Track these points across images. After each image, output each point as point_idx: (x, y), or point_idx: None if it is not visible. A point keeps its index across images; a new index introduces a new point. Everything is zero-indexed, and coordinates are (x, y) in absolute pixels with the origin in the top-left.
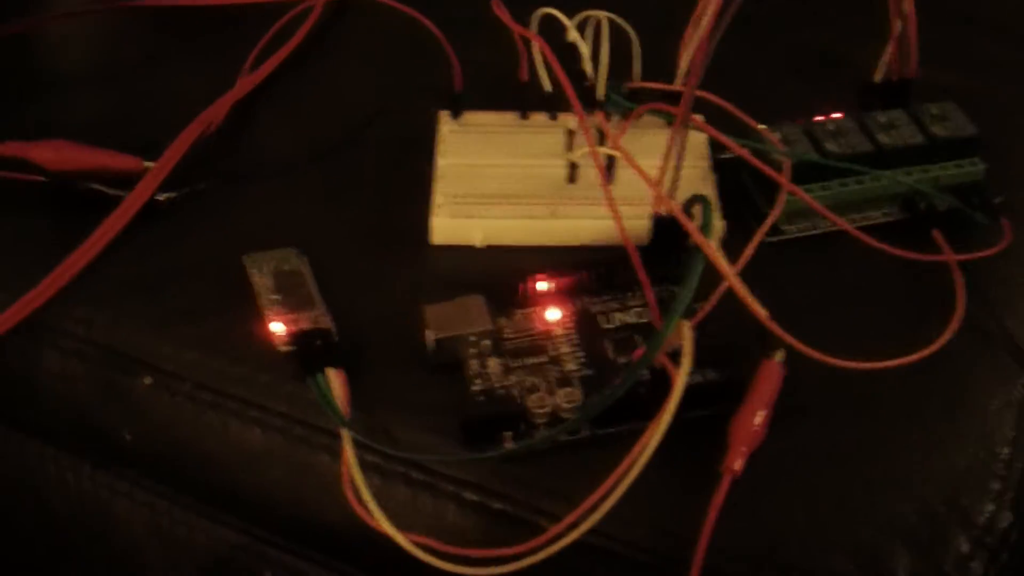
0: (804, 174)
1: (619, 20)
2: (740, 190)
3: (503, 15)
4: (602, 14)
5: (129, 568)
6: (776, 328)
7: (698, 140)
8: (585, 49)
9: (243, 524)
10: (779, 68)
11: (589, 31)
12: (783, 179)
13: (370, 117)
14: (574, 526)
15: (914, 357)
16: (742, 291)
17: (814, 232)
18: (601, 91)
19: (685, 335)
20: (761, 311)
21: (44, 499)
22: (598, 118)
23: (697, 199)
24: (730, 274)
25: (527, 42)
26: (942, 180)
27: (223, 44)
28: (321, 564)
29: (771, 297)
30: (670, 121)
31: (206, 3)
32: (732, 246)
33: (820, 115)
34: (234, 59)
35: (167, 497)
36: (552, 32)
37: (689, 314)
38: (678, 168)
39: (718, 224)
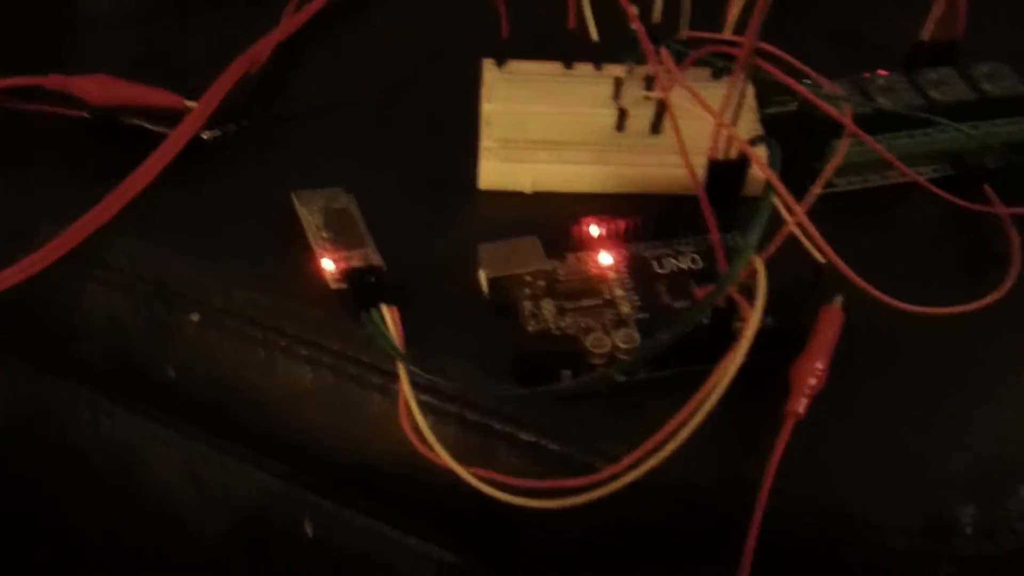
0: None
1: None
2: (788, 145)
3: None
4: None
5: (163, 516)
6: (842, 265)
7: (746, 93)
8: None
9: (284, 469)
10: (820, 27)
11: None
12: (848, 122)
13: (415, 62)
14: (635, 466)
15: (973, 305)
16: (811, 230)
17: (864, 186)
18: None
19: (759, 270)
20: (822, 255)
21: (75, 442)
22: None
23: (760, 139)
24: (799, 212)
25: None
26: (992, 137)
27: None
28: (364, 512)
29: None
30: (721, 68)
31: None
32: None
33: (870, 70)
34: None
35: (205, 441)
36: None
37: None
38: (738, 109)
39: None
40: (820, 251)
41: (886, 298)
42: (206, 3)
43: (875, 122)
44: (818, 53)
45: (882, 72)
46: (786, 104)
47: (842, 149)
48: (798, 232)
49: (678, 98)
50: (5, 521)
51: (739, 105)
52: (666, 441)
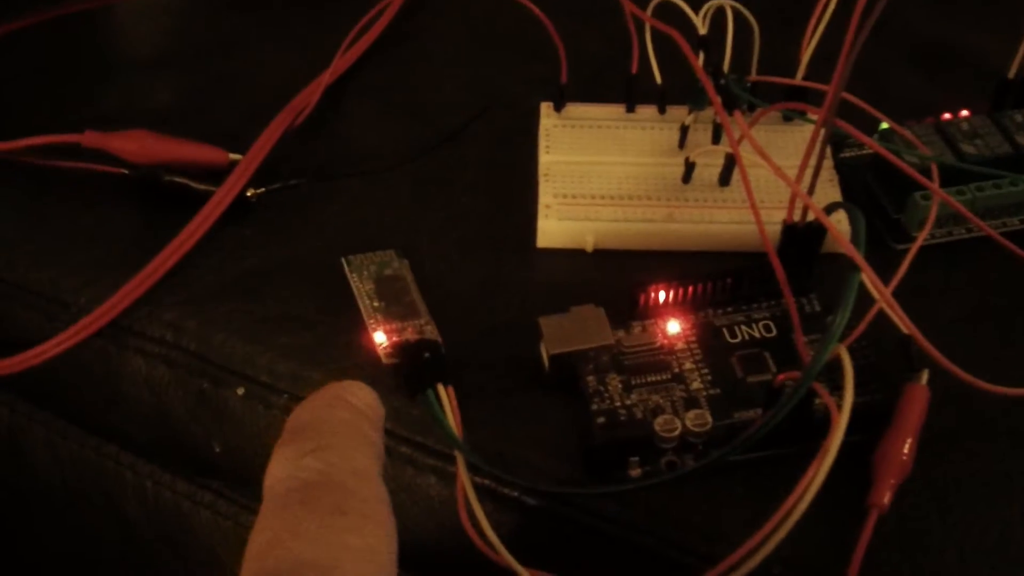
0: (938, 177)
1: (743, 9)
2: (864, 192)
3: (628, 6)
4: (726, 2)
5: None
6: (927, 345)
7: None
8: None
9: None
10: (901, 62)
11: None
12: (933, 185)
13: (468, 110)
14: (739, 564)
15: None
16: (896, 313)
17: (949, 239)
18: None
19: (845, 361)
20: (910, 331)
21: (120, 507)
22: (736, 115)
23: (839, 205)
24: (885, 294)
25: (640, 30)
26: None
27: (308, 26)
28: None
29: (908, 311)
30: (790, 118)
31: None
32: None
33: (948, 113)
34: (319, 43)
35: (253, 510)
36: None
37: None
38: (817, 172)
39: (845, 229)
40: (908, 330)
41: (968, 377)
42: (249, 45)
43: (960, 172)
44: (898, 89)
45: (964, 114)
46: (863, 148)
47: (932, 213)
48: (885, 307)
49: (747, 149)
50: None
51: (820, 161)
52: (768, 537)
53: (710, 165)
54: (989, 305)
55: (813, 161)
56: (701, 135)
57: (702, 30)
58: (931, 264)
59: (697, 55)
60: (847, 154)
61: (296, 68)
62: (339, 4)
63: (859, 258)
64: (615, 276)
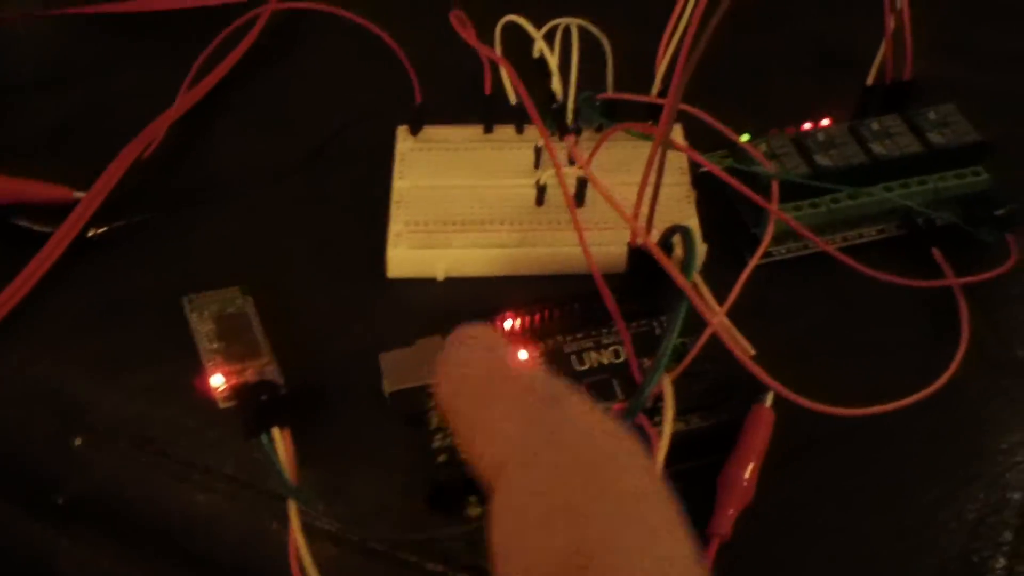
0: (794, 190)
1: (590, 26)
2: (725, 204)
3: (464, 32)
4: (572, 20)
5: None
6: (761, 373)
7: (678, 153)
8: (553, 63)
9: None
10: (772, 69)
11: (562, 37)
12: (771, 205)
13: (324, 136)
14: None
15: (914, 398)
16: (728, 336)
17: (806, 252)
18: (570, 107)
19: (667, 393)
20: (747, 352)
21: None
22: (568, 139)
23: (677, 229)
24: (714, 319)
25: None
26: (942, 192)
27: (168, 54)
28: None
29: (759, 327)
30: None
31: (144, 9)
32: (718, 269)
33: (813, 121)
34: (181, 71)
35: (111, 552)
36: (522, 37)
37: (676, 355)
38: (656, 195)
39: (701, 248)
40: (740, 357)
41: (808, 403)
42: (100, 77)
43: (815, 182)
44: (770, 93)
45: (825, 124)
46: (724, 160)
47: (769, 231)
48: (722, 333)
49: (603, 161)
50: None
51: (659, 185)
52: None
53: (566, 185)
54: (836, 320)
55: (656, 178)
56: (560, 155)
57: (536, 51)
58: (785, 278)
59: (544, 73)
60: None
61: (158, 95)
62: (206, 30)
63: (686, 285)
64: (468, 304)
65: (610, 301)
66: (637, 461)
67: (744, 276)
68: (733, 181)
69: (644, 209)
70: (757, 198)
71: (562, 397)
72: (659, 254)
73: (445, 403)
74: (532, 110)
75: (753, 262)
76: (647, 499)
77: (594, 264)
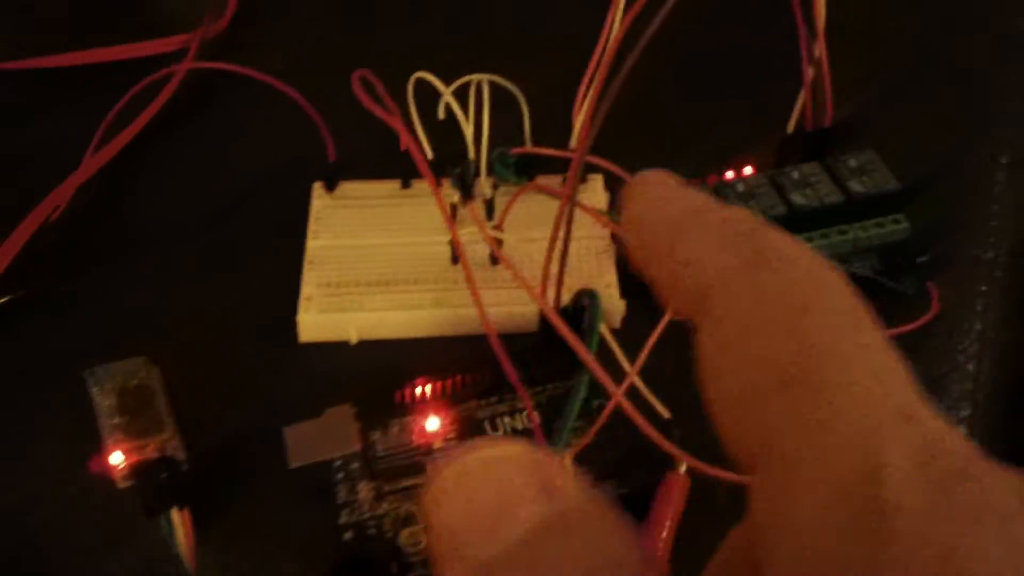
0: None
1: (501, 81)
2: None
3: (365, 96)
4: (482, 76)
5: None
6: (665, 442)
7: (598, 200)
8: (463, 119)
9: None
10: (698, 116)
11: (476, 93)
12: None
13: (237, 197)
14: None
15: None
16: (631, 412)
17: None
18: (483, 165)
19: (567, 468)
20: (663, 416)
21: None
22: (469, 203)
23: (583, 293)
24: (619, 389)
25: (405, 109)
26: (863, 242)
27: (79, 112)
28: None
29: (680, 385)
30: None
31: (54, 65)
32: (637, 324)
33: (736, 169)
34: (93, 129)
35: None
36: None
37: (590, 410)
38: (565, 256)
39: (619, 304)
40: (646, 431)
41: (719, 472)
42: (5, 134)
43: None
44: (694, 142)
45: (748, 172)
46: None
47: None
48: (624, 405)
49: (519, 217)
50: None
51: (567, 246)
52: None
53: (481, 243)
54: None
55: (564, 239)
56: (479, 211)
57: (442, 112)
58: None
59: (473, 134)
60: None
61: (69, 153)
62: (118, 84)
63: (586, 357)
64: (382, 368)
65: (509, 368)
66: (845, 286)
67: (655, 334)
68: (615, 227)
69: (554, 269)
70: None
71: (760, 227)
72: (559, 324)
73: (637, 249)
74: (424, 168)
75: (665, 319)
76: (859, 316)
77: (491, 329)
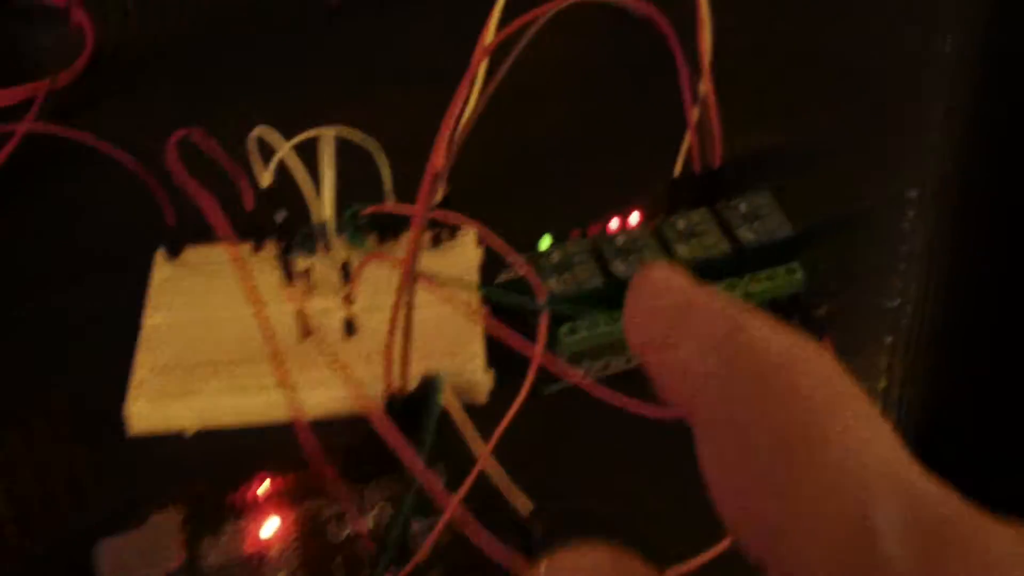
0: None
1: (354, 135)
2: (520, 320)
3: (175, 167)
4: (325, 131)
5: None
6: (509, 559)
7: (469, 258)
8: (300, 178)
9: None
10: (584, 162)
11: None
12: (539, 341)
13: (73, 273)
14: None
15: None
16: (466, 522)
17: (604, 373)
18: (329, 227)
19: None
20: (526, 508)
21: None
22: (327, 260)
23: (429, 380)
24: (454, 502)
25: (247, 168)
26: (754, 296)
27: None
28: None
29: (541, 463)
30: (438, 235)
31: None
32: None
33: (623, 217)
34: None
35: None
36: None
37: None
38: (408, 333)
39: (483, 378)
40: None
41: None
42: None
43: (605, 299)
44: (584, 190)
45: (634, 219)
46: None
47: (533, 366)
48: (459, 519)
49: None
50: None
51: (408, 327)
52: None
53: (335, 316)
54: (630, 455)
55: (406, 317)
56: (329, 279)
57: (265, 180)
58: (580, 405)
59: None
60: (505, 278)
61: None
62: None
63: (414, 466)
64: (221, 461)
65: (323, 465)
66: (824, 361)
67: (511, 413)
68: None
69: (397, 352)
70: (488, 324)
71: (741, 316)
72: (383, 426)
73: (634, 348)
74: (224, 230)
75: (520, 399)
76: (840, 387)
77: (301, 421)
